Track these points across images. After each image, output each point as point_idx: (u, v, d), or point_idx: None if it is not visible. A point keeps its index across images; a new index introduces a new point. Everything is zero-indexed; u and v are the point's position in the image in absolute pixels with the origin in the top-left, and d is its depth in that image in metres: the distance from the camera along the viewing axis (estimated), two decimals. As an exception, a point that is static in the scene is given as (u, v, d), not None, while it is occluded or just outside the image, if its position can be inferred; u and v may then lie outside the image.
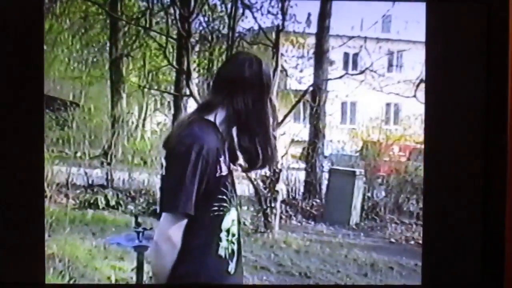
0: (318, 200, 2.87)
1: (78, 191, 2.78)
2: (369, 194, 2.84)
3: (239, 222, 1.69)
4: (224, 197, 1.63)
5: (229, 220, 1.65)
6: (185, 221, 1.57)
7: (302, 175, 2.92)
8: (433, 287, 1.91)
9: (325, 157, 2.90)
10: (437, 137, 1.88)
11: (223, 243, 1.64)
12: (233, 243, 1.66)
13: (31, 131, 1.85)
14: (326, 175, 2.90)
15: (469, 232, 1.87)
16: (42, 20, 1.88)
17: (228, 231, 1.64)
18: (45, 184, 2.39)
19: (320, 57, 2.78)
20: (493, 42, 1.85)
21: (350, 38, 2.67)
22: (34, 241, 1.88)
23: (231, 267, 1.65)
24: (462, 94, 1.87)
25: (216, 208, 1.62)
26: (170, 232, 1.59)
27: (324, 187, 2.89)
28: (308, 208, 2.83)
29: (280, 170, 2.75)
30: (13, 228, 1.85)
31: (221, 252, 1.64)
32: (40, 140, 1.87)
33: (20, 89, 1.84)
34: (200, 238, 1.61)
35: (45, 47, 2.51)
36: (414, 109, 2.52)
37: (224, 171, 1.62)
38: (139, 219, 2.49)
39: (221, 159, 1.62)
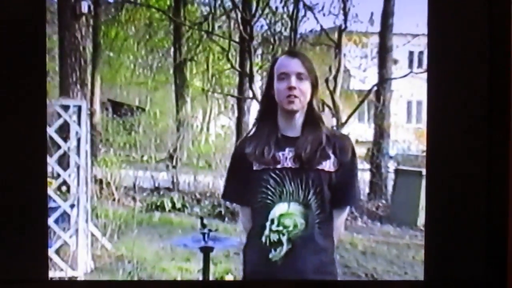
0: (384, 201, 2.83)
1: (145, 194, 2.83)
2: None
3: (305, 219, 1.78)
4: (264, 189, 1.79)
5: (277, 211, 1.79)
6: (247, 209, 1.85)
7: (367, 176, 2.89)
8: (436, 283, 1.90)
9: (391, 157, 2.86)
10: (439, 134, 1.86)
11: (266, 231, 1.79)
12: (283, 234, 1.79)
13: (34, 129, 1.85)
14: (391, 176, 2.85)
15: (473, 227, 1.84)
16: (43, 22, 1.87)
17: (273, 221, 1.79)
18: (113, 188, 2.45)
19: (384, 56, 2.75)
20: (495, 36, 1.81)
21: (415, 36, 2.64)
22: (37, 237, 1.87)
23: (274, 255, 1.79)
24: (464, 88, 1.84)
25: (260, 200, 1.79)
26: (240, 217, 1.95)
27: (390, 188, 2.85)
28: (374, 209, 2.79)
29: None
30: (16, 224, 1.85)
31: (263, 239, 1.80)
32: (42, 136, 1.87)
33: (22, 92, 1.83)
34: (253, 224, 1.83)
35: (111, 53, 2.62)
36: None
37: (260, 166, 1.80)
38: (205, 221, 2.55)
39: (257, 153, 1.80)
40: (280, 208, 1.80)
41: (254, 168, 1.82)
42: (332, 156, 1.82)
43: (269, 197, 1.80)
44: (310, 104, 1.84)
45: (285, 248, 1.80)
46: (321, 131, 1.84)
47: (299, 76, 1.82)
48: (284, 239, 1.80)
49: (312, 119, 1.85)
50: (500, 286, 1.83)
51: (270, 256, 1.80)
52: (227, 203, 2.73)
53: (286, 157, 1.81)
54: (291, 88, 1.80)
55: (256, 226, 1.83)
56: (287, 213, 1.80)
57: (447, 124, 1.86)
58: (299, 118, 1.84)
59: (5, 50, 1.80)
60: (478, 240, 1.84)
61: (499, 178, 1.81)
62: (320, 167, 1.81)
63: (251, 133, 1.90)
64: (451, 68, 1.85)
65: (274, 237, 1.80)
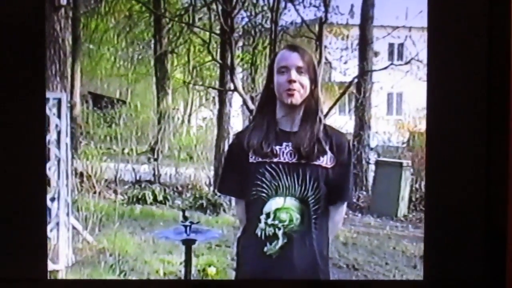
0: (364, 192, 2.85)
1: (126, 187, 2.82)
2: (417, 186, 2.77)
3: (301, 214, 1.82)
4: (259, 182, 1.82)
5: (272, 205, 1.81)
6: (242, 202, 1.88)
7: (348, 167, 2.89)
8: (435, 282, 1.92)
9: (371, 149, 2.87)
10: (438, 136, 1.89)
11: (261, 225, 1.82)
12: (278, 228, 1.82)
13: (32, 127, 1.87)
14: (372, 167, 2.87)
15: (472, 227, 1.87)
16: (43, 20, 1.90)
17: (268, 214, 1.82)
18: (94, 180, 2.46)
19: (365, 48, 2.76)
20: (495, 35, 1.85)
21: (395, 28, 2.63)
22: (36, 237, 1.90)
23: (269, 249, 1.82)
24: (464, 87, 1.87)
25: (254, 192, 1.82)
26: (235, 210, 1.99)
27: (370, 179, 2.86)
28: (354, 200, 2.79)
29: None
30: (15, 224, 1.86)
31: (258, 232, 1.83)
32: (41, 134, 1.90)
33: (21, 89, 1.86)
34: (248, 217, 1.86)
35: (91, 46, 2.60)
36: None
37: (256, 158, 1.82)
38: (187, 213, 2.55)
39: (255, 145, 1.83)
40: (276, 202, 1.82)
41: (250, 160, 1.84)
42: (329, 152, 1.84)
43: (265, 191, 1.82)
44: (308, 98, 1.85)
45: (280, 242, 1.83)
46: (319, 127, 1.86)
47: (299, 70, 1.84)
48: (279, 233, 1.82)
49: (310, 114, 1.86)
50: (499, 285, 1.85)
51: (265, 249, 1.83)
52: (209, 195, 2.76)
53: (283, 151, 1.83)
54: (291, 81, 1.82)
55: (251, 220, 1.86)
56: (283, 207, 1.82)
57: (446, 124, 1.88)
58: (298, 113, 1.86)
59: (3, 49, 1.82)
60: (477, 240, 1.86)
61: (499, 178, 1.83)
62: (317, 162, 1.83)
63: (250, 125, 1.93)
64: (450, 67, 1.87)
65: (270, 231, 1.83)
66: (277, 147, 1.83)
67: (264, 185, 1.82)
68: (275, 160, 1.82)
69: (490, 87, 1.84)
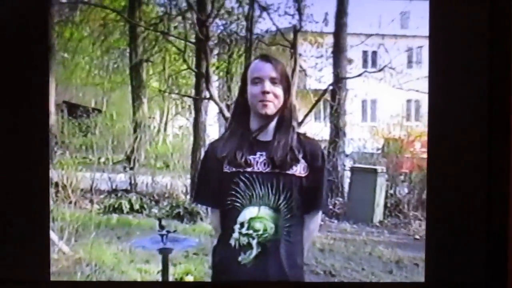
0: (340, 199, 2.84)
1: (102, 196, 2.78)
2: (392, 191, 2.81)
3: (275, 223, 1.84)
4: (234, 192, 1.85)
5: (246, 215, 1.84)
6: (217, 211, 1.89)
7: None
8: (437, 284, 1.95)
9: (347, 155, 2.87)
10: (440, 134, 1.93)
11: (235, 235, 1.84)
12: (252, 237, 1.84)
13: (35, 130, 1.91)
14: (348, 174, 2.87)
15: (473, 229, 1.90)
16: (47, 24, 1.96)
17: (242, 224, 1.84)
18: (70, 190, 2.47)
19: (339, 56, 2.76)
20: (496, 37, 1.89)
21: (368, 36, 2.65)
22: (38, 238, 1.93)
23: (243, 259, 1.84)
24: (465, 90, 1.91)
25: (229, 202, 1.85)
26: (210, 219, 2.05)
27: (346, 186, 2.86)
28: (331, 206, 2.79)
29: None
30: (18, 226, 1.89)
31: (232, 242, 1.86)
32: (44, 137, 1.93)
33: (25, 95, 1.91)
34: (223, 227, 1.88)
35: (66, 55, 2.58)
36: (436, 105, 2.52)
37: (231, 168, 1.84)
38: (163, 222, 2.55)
39: (229, 155, 1.85)
40: (250, 212, 1.86)
41: (225, 170, 1.87)
42: (302, 161, 1.87)
43: (239, 200, 1.85)
44: (282, 108, 1.88)
45: (254, 251, 1.86)
46: (293, 136, 1.89)
47: (272, 81, 1.87)
48: (253, 242, 1.86)
49: (284, 123, 1.89)
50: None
51: (240, 259, 1.86)
52: (186, 203, 2.74)
53: (258, 160, 1.85)
54: (265, 92, 1.85)
55: (226, 229, 1.89)
56: (257, 216, 1.85)
57: (447, 126, 1.92)
58: (272, 122, 1.89)
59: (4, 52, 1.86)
60: (479, 242, 1.89)
61: (500, 180, 1.87)
62: (291, 171, 1.86)
63: (224, 135, 1.95)
64: (451, 69, 1.91)
65: (244, 240, 1.86)
66: (251, 157, 1.86)
67: (238, 195, 1.85)
68: (249, 169, 1.85)
69: (491, 89, 1.87)
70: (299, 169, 1.86)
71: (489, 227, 1.88)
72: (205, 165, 1.98)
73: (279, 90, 1.87)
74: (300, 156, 1.86)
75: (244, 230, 1.85)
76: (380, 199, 2.78)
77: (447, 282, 1.93)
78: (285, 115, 1.89)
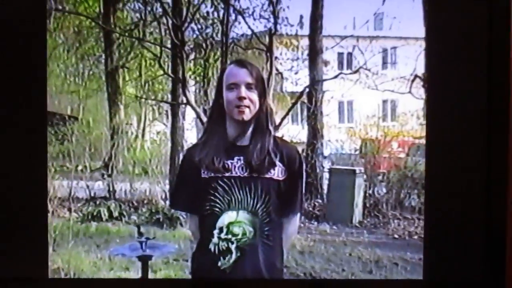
0: (319, 200, 2.85)
1: (80, 204, 2.77)
2: (370, 192, 2.82)
3: (254, 227, 1.83)
4: (212, 197, 1.84)
5: (225, 219, 1.83)
6: (195, 217, 1.88)
7: (302, 176, 2.90)
8: (435, 282, 1.95)
9: (325, 157, 2.88)
10: (438, 133, 1.91)
11: (214, 240, 1.83)
12: (231, 242, 1.83)
13: (33, 129, 1.92)
14: (326, 175, 2.88)
15: (471, 227, 1.89)
16: (44, 28, 1.96)
17: (221, 229, 1.84)
18: (48, 199, 2.38)
19: (314, 58, 2.76)
20: (495, 36, 1.88)
21: (343, 38, 2.65)
22: (37, 236, 1.93)
23: (223, 263, 1.85)
24: (464, 88, 1.90)
25: (207, 207, 1.84)
26: (189, 225, 2.01)
27: (325, 187, 2.87)
28: (310, 208, 2.80)
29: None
30: (16, 223, 1.90)
31: (211, 247, 1.85)
32: (42, 135, 1.94)
33: (22, 102, 1.92)
34: (201, 232, 1.87)
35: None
36: (411, 105, 2.58)
37: (208, 173, 1.84)
38: (143, 229, 2.54)
39: (206, 160, 1.84)
40: (229, 216, 1.85)
41: (203, 175, 1.85)
42: (279, 164, 1.86)
43: (218, 205, 1.84)
44: (258, 112, 1.87)
45: (234, 256, 1.85)
46: (269, 140, 1.87)
47: (248, 86, 1.86)
48: (232, 247, 1.85)
49: (260, 127, 1.88)
50: (498, 286, 1.88)
51: (219, 264, 1.85)
52: (165, 209, 2.72)
53: (235, 165, 1.85)
54: (241, 98, 1.84)
55: (204, 235, 1.87)
56: (236, 221, 1.84)
57: (446, 125, 1.91)
58: (249, 127, 1.88)
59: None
60: (477, 240, 1.89)
61: (498, 179, 1.86)
62: (268, 175, 1.85)
63: (201, 140, 1.93)
64: (449, 70, 1.90)
65: (223, 245, 1.84)
66: (229, 162, 1.85)
67: (217, 200, 1.84)
68: (227, 174, 1.84)
69: (490, 90, 1.87)
70: (277, 173, 1.86)
71: (488, 225, 1.89)
72: (183, 171, 1.97)
73: (254, 95, 1.86)
74: (277, 160, 1.86)
75: (223, 235, 1.85)
76: (358, 199, 2.79)
77: (446, 280, 1.94)
78: (262, 119, 1.88)
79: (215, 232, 1.85)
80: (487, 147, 1.87)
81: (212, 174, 1.84)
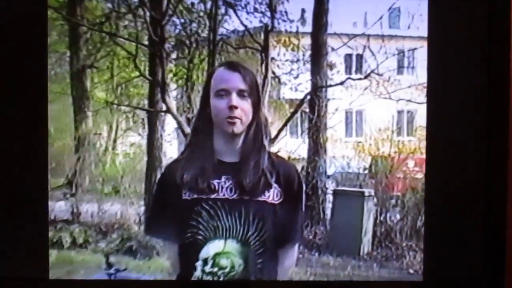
0: (322, 228, 2.68)
1: (38, 229, 2.61)
2: (382, 218, 2.68)
3: (245, 259, 1.77)
4: (195, 223, 1.75)
5: (210, 250, 1.76)
6: (174, 246, 1.81)
7: (301, 199, 2.78)
8: (434, 283, 1.99)
9: (328, 176, 2.74)
10: (438, 136, 1.96)
11: (197, 273, 1.76)
12: (218, 276, 1.75)
13: (34, 129, 1.99)
14: (330, 198, 2.74)
15: (471, 227, 1.94)
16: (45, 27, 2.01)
17: (205, 261, 1.76)
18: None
19: (318, 60, 2.63)
20: (495, 38, 1.93)
21: (352, 37, 2.52)
22: (37, 237, 1.99)
23: None
24: (464, 93, 1.95)
25: (189, 235, 1.76)
26: (167, 256, 2.02)
27: (328, 212, 2.72)
28: (311, 237, 2.64)
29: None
30: (16, 223, 1.95)
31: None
32: (43, 135, 2.01)
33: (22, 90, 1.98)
34: (182, 264, 1.81)
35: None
36: (430, 117, 2.52)
37: (191, 194, 1.76)
38: (112, 259, 2.40)
39: (188, 179, 1.76)
40: (214, 246, 1.77)
41: (184, 197, 1.77)
42: (275, 185, 1.79)
43: (201, 233, 1.76)
44: (251, 124, 1.78)
45: None
46: (264, 156, 1.79)
47: (240, 94, 1.77)
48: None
49: (253, 141, 1.79)
50: (498, 286, 1.92)
51: None
52: (139, 236, 2.56)
53: (222, 185, 1.78)
54: (232, 107, 1.75)
55: (185, 267, 1.80)
56: (223, 252, 1.77)
57: (445, 126, 1.96)
58: (239, 141, 1.80)
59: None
60: (477, 240, 1.95)
61: (498, 179, 1.91)
62: (262, 198, 1.78)
63: (183, 156, 1.86)
64: (450, 74, 1.95)
65: (210, 279, 1.78)
66: (215, 181, 1.78)
67: (200, 226, 1.75)
68: (212, 196, 1.77)
69: (490, 94, 1.91)
70: (272, 195, 1.79)
71: (487, 225, 1.93)
72: (161, 191, 1.88)
73: (247, 105, 1.77)
74: (272, 180, 1.79)
75: (207, 268, 1.76)
76: (368, 226, 2.65)
77: (445, 279, 1.98)
78: (255, 132, 1.80)
79: (198, 264, 1.77)
80: (487, 147, 1.93)
81: (195, 196, 1.77)
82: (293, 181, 1.82)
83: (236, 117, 1.75)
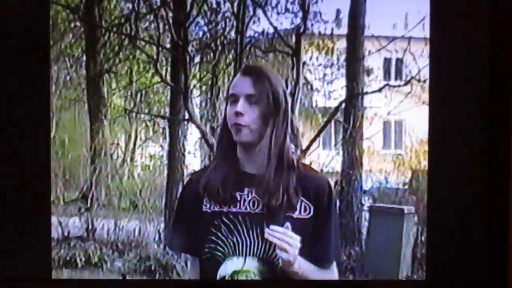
0: (357, 248, 2.58)
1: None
2: (423, 238, 2.49)
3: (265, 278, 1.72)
4: (214, 238, 1.71)
5: (228, 267, 1.71)
6: (196, 260, 1.78)
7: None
8: (437, 283, 2.00)
9: (364, 192, 2.63)
10: (440, 135, 1.98)
11: None
12: None
13: (37, 131, 2.00)
14: (366, 215, 2.64)
15: (474, 227, 1.96)
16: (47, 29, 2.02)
17: (224, 278, 1.72)
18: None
19: (354, 65, 2.53)
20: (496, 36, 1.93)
21: (391, 39, 2.43)
22: (40, 237, 2.00)
23: None
24: (466, 93, 1.96)
25: (207, 250, 1.73)
26: (189, 269, 1.96)
27: (364, 231, 2.62)
28: (344, 258, 2.49)
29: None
30: (19, 224, 1.97)
31: None
32: (46, 137, 2.01)
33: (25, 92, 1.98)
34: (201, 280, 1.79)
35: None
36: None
37: (211, 207, 1.73)
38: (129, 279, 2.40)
39: (210, 190, 1.74)
40: (233, 264, 1.73)
41: (204, 209, 1.75)
42: (304, 199, 1.73)
43: (220, 248, 1.72)
44: (271, 135, 1.72)
45: None
46: (291, 169, 1.73)
47: (249, 99, 1.74)
48: None
49: (276, 153, 1.73)
50: (501, 286, 1.92)
51: None
52: (158, 254, 2.51)
53: (245, 198, 1.74)
54: (237, 114, 1.73)
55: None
56: (243, 270, 1.73)
57: (448, 127, 1.97)
58: (260, 152, 1.75)
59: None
60: (480, 240, 1.96)
61: (500, 179, 1.92)
62: (288, 212, 1.73)
63: (209, 167, 1.85)
64: (452, 74, 1.96)
65: None
66: (238, 193, 1.76)
67: (219, 241, 1.72)
68: (233, 210, 1.74)
69: (492, 93, 1.92)
70: (299, 210, 1.74)
71: (490, 225, 1.95)
72: (183, 201, 1.87)
73: (257, 111, 1.73)
74: (300, 194, 1.74)
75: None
76: (407, 249, 2.53)
77: (448, 280, 1.98)
78: (277, 142, 1.74)
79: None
80: (489, 149, 1.95)
81: (216, 208, 1.74)
82: (323, 195, 1.77)
83: (241, 124, 1.72)
